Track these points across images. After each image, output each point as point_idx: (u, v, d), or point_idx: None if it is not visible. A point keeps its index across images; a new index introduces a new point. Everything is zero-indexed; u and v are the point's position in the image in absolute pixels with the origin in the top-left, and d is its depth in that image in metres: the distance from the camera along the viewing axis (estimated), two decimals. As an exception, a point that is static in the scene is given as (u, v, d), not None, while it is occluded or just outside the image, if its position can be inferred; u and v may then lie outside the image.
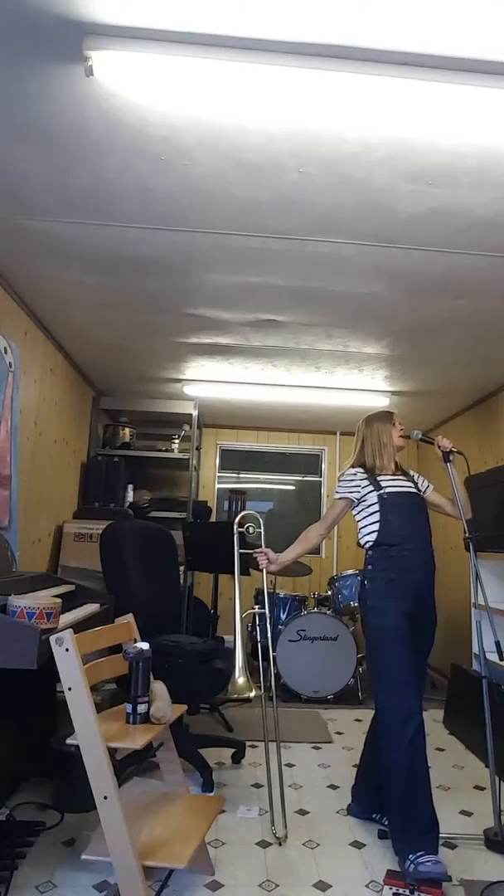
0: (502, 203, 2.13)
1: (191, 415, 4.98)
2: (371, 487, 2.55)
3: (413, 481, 2.65)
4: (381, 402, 4.72)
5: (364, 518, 2.56)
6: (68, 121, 1.81)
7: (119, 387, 4.83)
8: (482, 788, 2.87)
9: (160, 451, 5.16)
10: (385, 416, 2.74)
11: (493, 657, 3.05)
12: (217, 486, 6.08)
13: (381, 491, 2.53)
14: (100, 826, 1.69)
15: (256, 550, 2.63)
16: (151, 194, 2.18)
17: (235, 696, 2.37)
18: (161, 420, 5.25)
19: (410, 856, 2.05)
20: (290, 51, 1.52)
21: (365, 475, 2.59)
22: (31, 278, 2.91)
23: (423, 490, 2.67)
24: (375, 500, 2.52)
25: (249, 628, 5.22)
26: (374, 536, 2.49)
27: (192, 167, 2.01)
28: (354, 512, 2.62)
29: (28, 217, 2.36)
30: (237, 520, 2.71)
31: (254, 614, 2.58)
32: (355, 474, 2.61)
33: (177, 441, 5.19)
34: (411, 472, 2.73)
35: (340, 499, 2.61)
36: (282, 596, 4.83)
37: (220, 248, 2.54)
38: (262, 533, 2.77)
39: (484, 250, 2.45)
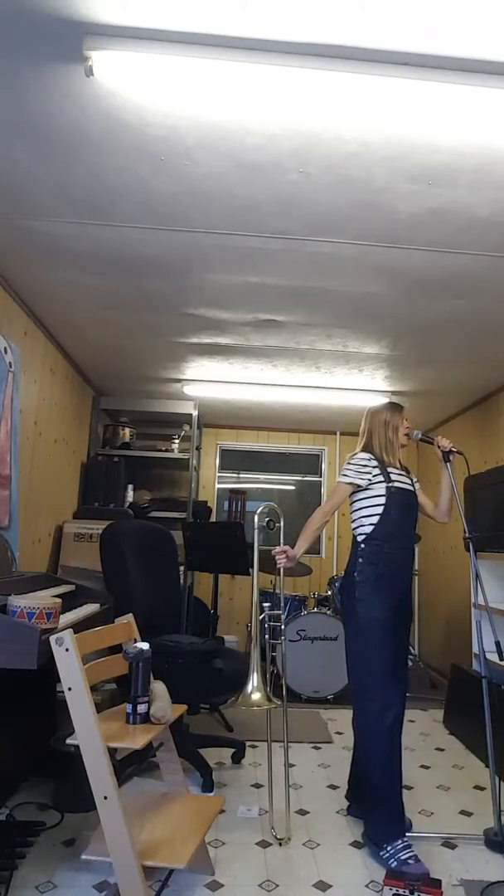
0: (502, 203, 2.13)
1: (191, 415, 4.98)
2: (381, 478, 2.51)
3: (411, 479, 2.65)
4: (381, 403, 4.72)
5: (365, 507, 2.52)
6: (68, 121, 1.81)
7: (119, 387, 4.83)
8: (482, 788, 2.87)
9: (160, 451, 5.16)
10: (395, 410, 2.69)
11: (493, 657, 3.05)
12: (217, 486, 6.09)
13: (391, 484, 2.50)
14: (100, 826, 1.69)
15: (276, 549, 2.53)
16: (151, 194, 2.18)
17: (245, 707, 2.31)
18: (161, 420, 5.25)
19: (388, 846, 2.15)
20: (290, 51, 1.52)
21: (377, 463, 2.55)
22: (31, 278, 2.91)
23: (416, 489, 2.66)
24: (383, 491, 2.49)
25: (249, 628, 5.23)
26: (369, 529, 2.48)
27: (192, 167, 2.01)
28: (354, 498, 2.57)
29: (28, 217, 2.36)
30: (259, 512, 2.59)
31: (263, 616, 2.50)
32: (369, 460, 2.55)
33: (177, 441, 5.19)
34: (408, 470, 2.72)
35: (349, 483, 2.54)
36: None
37: (220, 248, 2.54)
38: (282, 528, 2.68)
39: (484, 250, 2.45)
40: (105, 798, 1.67)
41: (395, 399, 4.69)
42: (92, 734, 1.70)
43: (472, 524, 2.75)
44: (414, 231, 2.34)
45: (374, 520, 2.48)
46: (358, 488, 2.55)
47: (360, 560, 2.49)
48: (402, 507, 2.51)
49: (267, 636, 2.46)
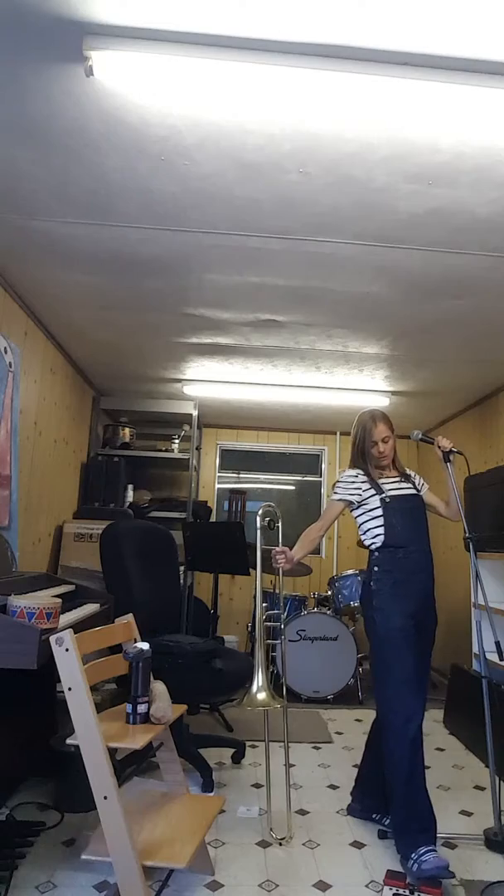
0: (502, 203, 2.13)
1: (191, 415, 4.98)
2: (373, 491, 2.53)
3: (412, 482, 2.63)
4: (381, 402, 4.72)
5: (367, 521, 2.53)
6: (68, 121, 1.81)
7: (119, 387, 4.83)
8: (482, 788, 2.87)
9: (160, 451, 5.16)
10: (371, 420, 2.63)
11: (493, 657, 3.05)
12: (217, 486, 6.08)
13: (384, 495, 2.51)
14: (100, 826, 1.69)
15: (276, 549, 2.53)
16: (151, 194, 2.18)
17: (250, 707, 2.31)
18: (161, 420, 5.25)
19: (413, 854, 2.06)
20: (290, 51, 1.52)
21: (366, 478, 2.56)
22: (31, 278, 2.91)
23: (420, 490, 2.64)
24: (378, 503, 2.50)
25: (249, 628, 5.23)
26: (380, 539, 2.47)
27: (192, 167, 2.01)
28: (355, 514, 2.59)
29: (28, 217, 2.36)
30: (259, 512, 2.60)
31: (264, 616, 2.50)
32: (356, 476, 2.57)
33: (177, 441, 5.19)
34: (409, 472, 2.70)
35: (339, 500, 2.57)
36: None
37: (220, 248, 2.54)
38: (281, 528, 2.70)
39: (484, 250, 2.45)
40: (105, 798, 1.67)
41: (396, 399, 4.70)
42: (92, 734, 1.70)
43: (472, 524, 2.74)
44: (414, 231, 2.34)
45: (381, 531, 2.48)
46: (352, 505, 2.57)
47: (376, 569, 2.48)
48: (403, 513, 2.50)
49: (265, 636, 2.45)
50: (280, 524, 2.71)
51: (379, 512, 2.49)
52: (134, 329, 3.55)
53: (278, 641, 2.54)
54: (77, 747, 1.71)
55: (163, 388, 4.78)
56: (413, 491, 2.59)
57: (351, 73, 1.55)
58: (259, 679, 2.30)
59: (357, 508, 2.57)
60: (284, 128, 1.79)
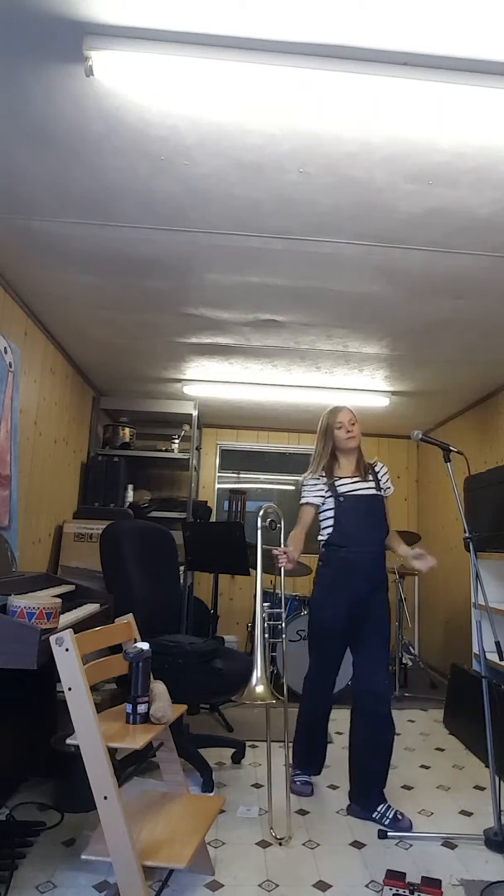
0: (502, 203, 2.13)
1: (191, 415, 4.98)
2: (330, 493, 2.73)
3: (376, 479, 2.78)
4: (381, 402, 4.73)
5: (323, 520, 2.75)
6: (68, 121, 1.81)
7: (119, 387, 4.83)
8: (482, 788, 2.87)
9: (160, 451, 5.16)
10: (330, 416, 2.85)
11: (493, 657, 3.05)
12: (217, 486, 6.09)
13: (338, 495, 2.72)
14: (100, 826, 1.69)
15: (277, 549, 2.60)
16: (151, 194, 2.18)
17: (248, 701, 2.36)
18: (161, 420, 5.25)
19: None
20: (290, 51, 1.52)
21: (325, 482, 2.75)
22: (31, 278, 2.91)
23: (383, 490, 2.80)
24: (332, 504, 2.71)
25: (249, 627, 5.23)
26: (325, 537, 2.71)
27: (192, 167, 2.01)
28: (319, 514, 2.80)
29: (28, 217, 2.36)
30: (261, 513, 2.66)
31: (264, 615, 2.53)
32: (318, 479, 2.78)
33: (177, 441, 5.19)
34: (377, 468, 2.84)
35: (307, 503, 2.79)
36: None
37: (220, 248, 2.54)
38: (283, 528, 2.75)
39: (484, 250, 2.45)
40: (105, 798, 1.67)
41: (396, 399, 4.70)
42: (92, 734, 1.70)
43: (472, 524, 2.76)
44: (414, 231, 2.34)
45: (329, 529, 2.70)
46: (318, 507, 2.77)
47: (320, 563, 2.75)
48: (355, 512, 2.68)
49: (266, 635, 2.47)
50: (282, 524, 2.75)
51: (331, 513, 2.70)
52: (134, 329, 3.55)
53: (279, 640, 2.60)
54: (77, 747, 1.71)
55: (163, 388, 4.78)
56: (372, 490, 2.74)
57: (351, 73, 1.55)
58: (258, 673, 2.35)
59: (319, 508, 2.77)
60: (284, 128, 1.80)
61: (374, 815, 2.48)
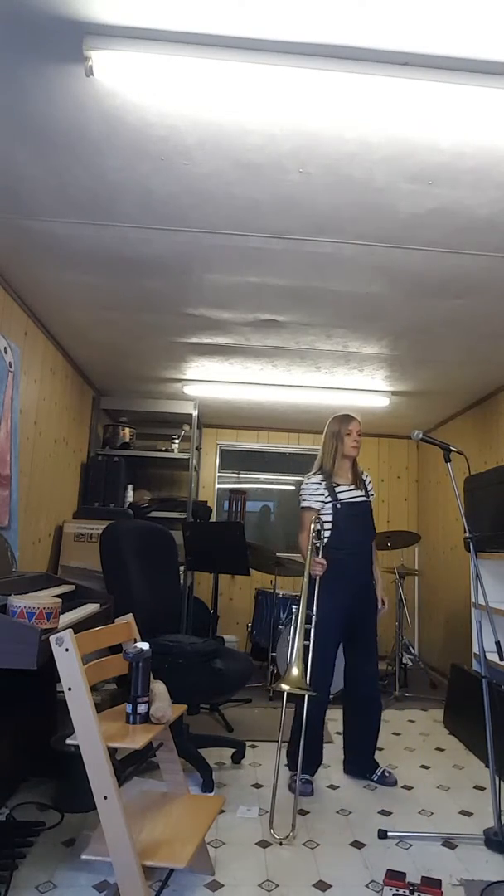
0: (502, 203, 2.13)
1: (191, 415, 4.98)
2: (330, 498, 2.92)
3: (364, 487, 3.02)
4: (381, 402, 4.73)
5: (321, 524, 2.90)
6: (68, 121, 1.81)
7: (119, 387, 4.83)
8: (482, 788, 2.87)
9: (160, 451, 5.16)
10: (342, 423, 3.01)
11: (493, 657, 3.05)
12: (217, 486, 6.09)
13: (336, 502, 2.91)
14: (100, 826, 1.69)
15: (317, 559, 2.80)
16: (151, 194, 2.18)
17: (288, 688, 2.47)
18: (161, 420, 5.25)
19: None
20: (290, 51, 1.52)
21: (325, 486, 2.93)
22: (31, 278, 2.91)
23: (370, 497, 3.03)
24: (331, 509, 2.90)
25: (249, 627, 5.23)
26: (325, 539, 2.87)
27: (192, 167, 2.01)
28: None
29: (28, 217, 2.36)
30: (314, 518, 2.89)
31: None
32: (320, 483, 2.95)
33: (177, 441, 5.19)
34: (364, 476, 3.08)
35: (309, 507, 2.94)
36: (281, 596, 4.83)
37: (220, 248, 2.54)
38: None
39: (484, 250, 2.45)
40: (105, 798, 1.67)
41: (396, 399, 4.70)
42: (92, 734, 1.70)
43: (472, 524, 2.76)
44: (414, 231, 2.34)
45: (327, 533, 2.88)
46: (317, 511, 2.92)
47: None
48: (350, 518, 2.90)
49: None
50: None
51: (330, 518, 2.89)
52: (134, 329, 3.56)
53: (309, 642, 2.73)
54: (77, 747, 1.71)
55: (163, 388, 4.78)
56: (363, 498, 2.99)
57: (351, 73, 1.55)
58: (297, 665, 2.51)
59: (319, 513, 2.93)
60: (284, 128, 1.80)
61: (367, 775, 2.90)
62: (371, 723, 2.96)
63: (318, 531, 2.86)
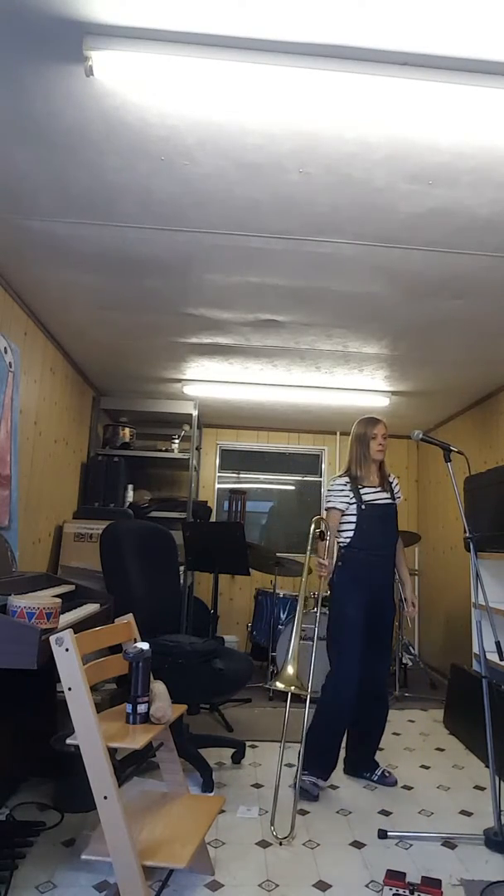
0: (502, 203, 2.13)
1: (191, 415, 4.98)
2: (354, 500, 2.93)
3: (391, 489, 3.03)
4: (381, 402, 4.73)
5: (344, 524, 2.94)
6: (68, 121, 1.81)
7: (119, 387, 4.83)
8: (482, 788, 2.87)
9: (160, 451, 5.16)
10: (369, 424, 3.02)
11: (493, 657, 3.05)
12: (217, 486, 6.09)
13: (362, 503, 2.93)
14: (100, 826, 1.69)
15: (321, 560, 2.85)
16: (151, 194, 2.18)
17: (282, 687, 2.52)
18: (161, 420, 5.25)
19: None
20: (290, 51, 1.52)
21: (350, 487, 2.95)
22: (31, 278, 2.91)
23: (396, 499, 3.05)
24: (355, 511, 2.92)
25: (249, 627, 5.23)
26: (347, 541, 2.91)
27: (192, 167, 2.01)
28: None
29: (28, 217, 2.36)
30: (315, 519, 2.92)
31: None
32: (345, 485, 2.97)
33: (177, 441, 5.19)
34: (391, 479, 3.09)
35: (335, 508, 2.96)
36: (281, 596, 4.83)
37: (220, 248, 2.54)
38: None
39: (484, 250, 2.45)
40: (105, 798, 1.67)
41: (396, 399, 4.70)
42: (92, 734, 1.70)
43: (472, 524, 2.76)
44: (414, 231, 2.34)
45: (350, 533, 2.90)
46: (342, 512, 2.95)
47: (340, 564, 2.92)
48: (373, 520, 2.91)
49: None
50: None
51: (354, 518, 2.91)
52: (134, 329, 3.55)
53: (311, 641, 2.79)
54: (77, 747, 1.71)
55: (163, 388, 4.78)
56: (389, 500, 3.00)
57: (351, 73, 1.55)
58: (291, 665, 2.57)
59: (344, 513, 2.95)
60: (284, 128, 1.80)
61: (366, 775, 2.91)
62: (376, 722, 2.96)
63: (321, 532, 2.87)
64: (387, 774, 2.90)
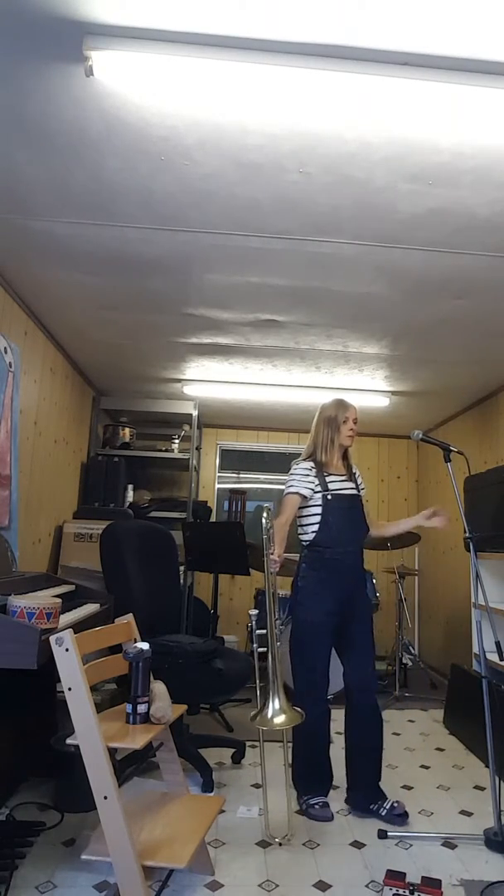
0: (502, 203, 2.13)
1: (191, 415, 4.98)
2: (319, 487, 2.67)
3: (354, 480, 2.79)
4: (381, 402, 4.73)
5: (306, 516, 2.69)
6: (68, 121, 1.81)
7: (119, 387, 4.83)
8: (482, 788, 2.87)
9: (160, 451, 5.16)
10: (339, 409, 2.79)
11: (493, 657, 3.05)
12: (217, 486, 6.09)
13: (327, 492, 2.66)
14: (100, 826, 1.69)
15: (270, 552, 2.52)
16: (152, 194, 2.18)
17: (266, 727, 2.28)
18: (161, 420, 5.25)
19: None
20: (290, 51, 1.52)
21: (315, 473, 2.69)
22: (31, 278, 2.91)
23: (360, 490, 2.80)
24: (320, 500, 2.65)
25: (249, 627, 5.23)
26: (311, 537, 2.65)
27: (192, 167, 2.01)
28: (300, 507, 2.70)
29: (28, 217, 2.36)
30: (265, 514, 2.56)
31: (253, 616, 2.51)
32: (310, 470, 2.70)
33: (177, 441, 5.19)
34: (354, 469, 2.84)
35: (295, 493, 2.67)
36: (281, 596, 4.82)
37: (220, 248, 2.54)
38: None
39: (484, 250, 2.45)
40: (105, 798, 1.67)
41: (396, 399, 4.70)
42: (92, 734, 1.70)
43: (472, 524, 2.76)
44: (414, 231, 2.34)
45: (315, 528, 2.64)
46: (304, 499, 2.68)
47: (304, 566, 2.69)
48: (340, 512, 2.65)
49: (255, 644, 2.44)
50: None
51: (318, 510, 2.65)
52: (134, 329, 3.55)
53: (269, 647, 2.43)
54: (77, 747, 1.71)
55: (163, 388, 4.78)
56: (354, 491, 2.75)
57: (351, 73, 1.55)
58: (277, 702, 2.26)
59: (307, 503, 2.68)
60: (284, 128, 1.79)
61: (371, 806, 2.55)
62: (371, 738, 2.64)
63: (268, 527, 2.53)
64: (395, 806, 2.52)
